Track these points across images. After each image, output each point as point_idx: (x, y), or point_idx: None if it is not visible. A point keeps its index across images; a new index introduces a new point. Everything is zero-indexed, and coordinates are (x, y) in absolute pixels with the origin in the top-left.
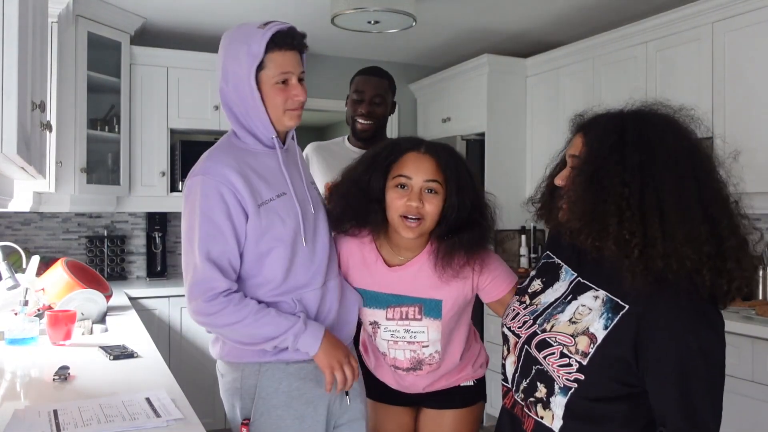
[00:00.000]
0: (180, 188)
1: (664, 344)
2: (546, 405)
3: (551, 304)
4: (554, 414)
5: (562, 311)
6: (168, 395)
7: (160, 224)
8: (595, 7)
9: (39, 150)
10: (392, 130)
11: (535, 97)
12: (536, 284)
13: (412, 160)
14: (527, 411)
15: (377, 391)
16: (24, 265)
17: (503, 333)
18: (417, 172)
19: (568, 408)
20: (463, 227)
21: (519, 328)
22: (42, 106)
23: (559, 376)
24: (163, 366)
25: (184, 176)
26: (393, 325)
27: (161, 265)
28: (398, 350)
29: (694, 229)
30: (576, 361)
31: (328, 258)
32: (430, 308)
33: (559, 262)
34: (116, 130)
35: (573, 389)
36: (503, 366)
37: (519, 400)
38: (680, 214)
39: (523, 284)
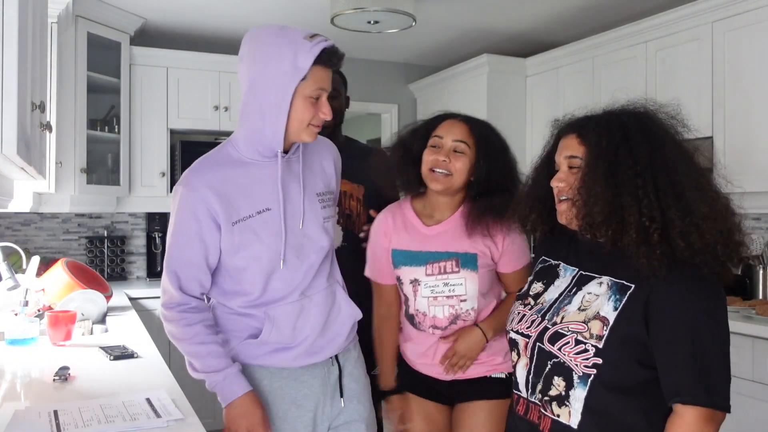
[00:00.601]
0: None
1: (672, 314)
2: (562, 401)
3: (557, 299)
4: (572, 410)
5: (570, 302)
6: (168, 395)
7: (160, 224)
8: (595, 7)
9: (39, 150)
10: (392, 129)
11: (534, 97)
12: (537, 286)
13: (447, 124)
14: (543, 411)
15: (410, 383)
16: (24, 266)
17: (511, 339)
18: (448, 132)
19: (587, 402)
20: (495, 192)
21: (527, 328)
22: (42, 107)
23: (576, 365)
24: (164, 366)
25: None
26: (432, 280)
27: (161, 265)
28: (437, 307)
29: (714, 204)
30: (592, 345)
31: (315, 272)
32: (466, 261)
33: (557, 262)
34: (116, 130)
35: (592, 376)
36: (514, 374)
37: (535, 401)
38: (697, 192)
39: (523, 290)
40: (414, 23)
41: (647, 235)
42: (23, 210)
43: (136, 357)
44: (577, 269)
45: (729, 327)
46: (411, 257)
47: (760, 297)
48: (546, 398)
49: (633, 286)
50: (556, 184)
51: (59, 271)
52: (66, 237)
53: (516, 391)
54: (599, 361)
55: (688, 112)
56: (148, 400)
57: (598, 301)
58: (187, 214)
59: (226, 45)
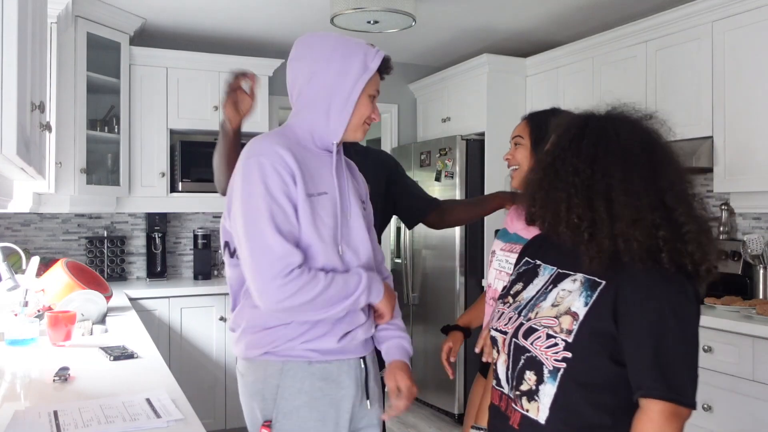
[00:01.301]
0: (179, 189)
1: (638, 309)
2: (532, 396)
3: (533, 296)
4: (540, 405)
5: (545, 299)
6: (168, 396)
7: (160, 225)
8: (595, 7)
9: (38, 151)
10: (391, 129)
11: (534, 96)
12: (517, 286)
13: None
14: (513, 405)
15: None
16: (24, 266)
17: (492, 337)
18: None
19: (556, 397)
20: None
21: (505, 325)
22: (41, 107)
23: (547, 359)
24: (164, 366)
25: (183, 177)
26: (503, 254)
27: (161, 265)
28: (500, 281)
29: (642, 212)
30: (562, 339)
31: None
32: None
33: (538, 262)
34: (116, 130)
35: (562, 371)
36: (495, 371)
37: (510, 396)
38: (627, 199)
39: (504, 291)
40: (414, 23)
41: (578, 233)
42: (23, 210)
43: (136, 357)
44: (555, 268)
45: (697, 326)
46: (503, 234)
47: (761, 297)
48: (517, 393)
49: (603, 282)
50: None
51: (59, 272)
52: (66, 237)
53: (498, 387)
54: (568, 354)
55: (688, 111)
56: (148, 401)
57: (570, 297)
58: (273, 177)
59: (226, 45)
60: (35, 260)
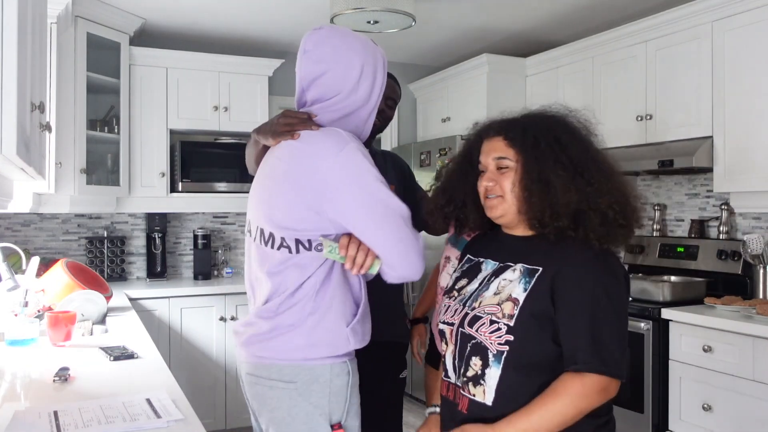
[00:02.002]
0: (179, 189)
1: (573, 290)
2: (478, 381)
3: (477, 288)
4: (486, 388)
5: (487, 289)
6: (168, 396)
7: (160, 225)
8: (595, 7)
9: (38, 151)
10: (391, 129)
11: (534, 96)
12: (462, 282)
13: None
14: (461, 392)
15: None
16: (24, 266)
17: (440, 330)
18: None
19: (501, 379)
20: None
21: (452, 317)
22: (41, 107)
23: (491, 343)
24: (164, 367)
25: (183, 177)
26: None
27: (161, 265)
28: None
29: (621, 187)
30: (504, 324)
31: None
32: None
33: (480, 259)
34: (116, 130)
35: (505, 353)
36: (444, 364)
37: (457, 383)
38: (607, 180)
39: (449, 286)
40: (414, 23)
41: (578, 223)
42: (23, 210)
43: (136, 357)
44: (497, 262)
45: (626, 303)
46: (460, 242)
47: (761, 296)
48: (464, 379)
49: (540, 268)
50: (486, 184)
51: (59, 272)
52: (66, 237)
53: (445, 378)
54: (511, 338)
55: (688, 111)
56: (149, 401)
57: (511, 285)
58: (369, 162)
59: (226, 45)
60: (35, 260)
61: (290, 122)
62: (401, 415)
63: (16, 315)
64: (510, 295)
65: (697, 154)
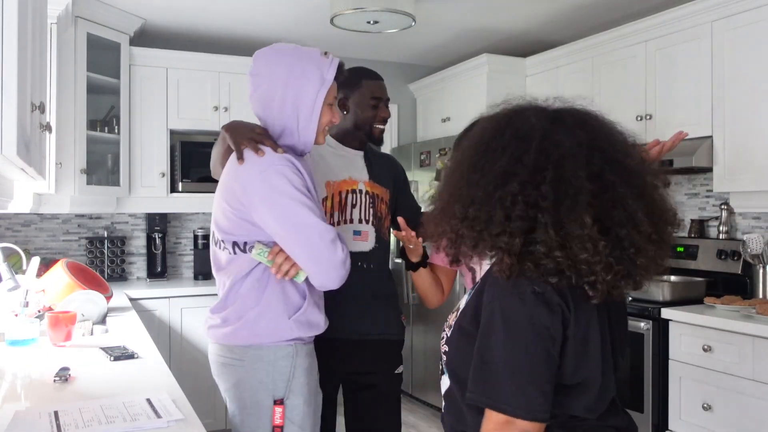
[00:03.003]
0: (179, 189)
1: (483, 310)
2: (440, 387)
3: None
4: (441, 395)
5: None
6: (168, 396)
7: (160, 225)
8: (595, 7)
9: (39, 151)
10: (391, 129)
11: (534, 96)
12: (464, 298)
13: None
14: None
15: None
16: (24, 267)
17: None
18: None
19: (448, 389)
20: None
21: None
22: (42, 108)
23: (443, 353)
24: (164, 367)
25: (183, 177)
26: None
27: (161, 266)
28: None
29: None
30: (446, 334)
31: None
32: None
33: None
34: (116, 131)
35: (444, 362)
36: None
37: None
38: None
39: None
40: (414, 23)
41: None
42: (23, 211)
43: (137, 357)
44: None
45: (528, 332)
46: None
47: (760, 296)
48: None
49: (478, 283)
50: None
51: (59, 272)
52: (66, 238)
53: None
54: (446, 348)
55: (688, 111)
56: (149, 401)
57: (463, 298)
58: (291, 174)
59: (226, 45)
60: (35, 261)
61: (258, 139)
62: (399, 412)
63: (16, 315)
64: (459, 306)
65: (696, 154)
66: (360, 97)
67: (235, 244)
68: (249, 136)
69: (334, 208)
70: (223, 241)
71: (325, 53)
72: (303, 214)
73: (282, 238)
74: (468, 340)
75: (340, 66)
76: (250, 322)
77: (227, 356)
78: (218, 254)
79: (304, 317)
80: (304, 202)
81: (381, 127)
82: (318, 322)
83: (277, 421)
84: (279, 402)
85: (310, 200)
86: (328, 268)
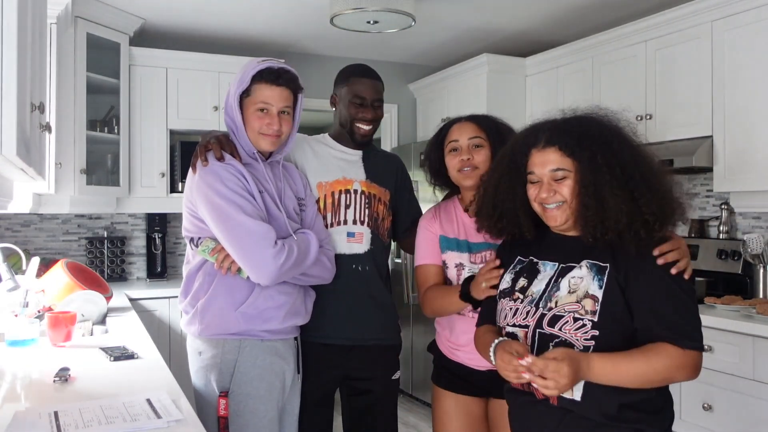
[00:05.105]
0: (180, 189)
1: (647, 279)
2: None
3: (545, 289)
4: (575, 385)
5: (558, 289)
6: (168, 396)
7: (160, 225)
8: (595, 6)
9: (38, 151)
10: (391, 129)
11: (534, 96)
12: (521, 282)
13: (457, 127)
14: None
15: (447, 379)
16: (24, 267)
17: (508, 333)
18: (461, 134)
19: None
20: None
21: (524, 319)
22: (41, 108)
23: (577, 339)
24: (164, 367)
25: (183, 177)
26: (476, 267)
27: (161, 266)
28: None
29: (666, 182)
30: (588, 320)
31: None
32: None
33: (534, 259)
34: (116, 131)
35: (591, 348)
36: None
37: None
38: (654, 176)
39: (507, 288)
40: (413, 23)
41: (637, 227)
42: (23, 211)
43: (137, 358)
44: (557, 263)
45: (694, 280)
46: (456, 244)
47: (761, 296)
48: None
49: (608, 265)
50: (543, 195)
51: (59, 272)
52: (66, 238)
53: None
54: (596, 332)
55: (688, 111)
56: (149, 401)
57: (584, 282)
58: (227, 177)
59: (225, 45)
60: (35, 261)
61: (209, 147)
62: (396, 417)
63: (16, 315)
64: (587, 292)
65: (697, 154)
66: (344, 94)
67: (191, 240)
68: (203, 144)
69: (327, 209)
70: (185, 237)
71: (264, 59)
72: (233, 213)
73: (218, 235)
74: (620, 317)
75: (272, 71)
76: (199, 313)
77: (191, 345)
78: (187, 251)
79: (254, 309)
80: (235, 201)
81: (363, 126)
82: (273, 315)
83: (221, 412)
84: (224, 394)
85: (245, 200)
86: (258, 264)
